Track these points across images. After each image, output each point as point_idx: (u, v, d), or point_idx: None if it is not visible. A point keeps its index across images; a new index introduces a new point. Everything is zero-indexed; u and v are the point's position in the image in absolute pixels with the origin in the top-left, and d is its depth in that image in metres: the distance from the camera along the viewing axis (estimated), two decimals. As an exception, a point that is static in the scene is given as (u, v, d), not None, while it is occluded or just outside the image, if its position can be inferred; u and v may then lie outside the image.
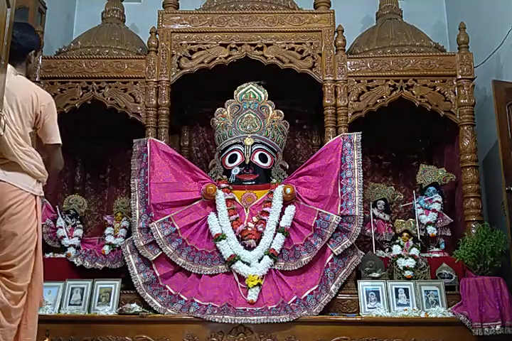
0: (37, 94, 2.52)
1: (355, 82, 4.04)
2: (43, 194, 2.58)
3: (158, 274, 3.60)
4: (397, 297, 3.47)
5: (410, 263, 3.59)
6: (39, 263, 2.52)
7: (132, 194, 3.81)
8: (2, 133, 2.39)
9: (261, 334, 3.25)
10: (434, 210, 3.89)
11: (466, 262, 3.49)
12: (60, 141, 2.62)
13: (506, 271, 3.52)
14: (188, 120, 5.00)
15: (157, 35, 4.16)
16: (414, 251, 3.67)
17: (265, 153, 4.04)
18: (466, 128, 3.93)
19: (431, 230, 3.84)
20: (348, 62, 4.07)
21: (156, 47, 4.13)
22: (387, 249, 3.89)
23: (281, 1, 4.34)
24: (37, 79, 3.98)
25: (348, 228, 3.60)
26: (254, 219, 3.79)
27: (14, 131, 2.42)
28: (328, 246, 3.60)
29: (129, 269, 3.60)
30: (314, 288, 3.52)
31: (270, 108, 4.14)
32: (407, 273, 3.56)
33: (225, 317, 3.25)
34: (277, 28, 4.12)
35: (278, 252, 3.63)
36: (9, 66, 2.51)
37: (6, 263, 2.36)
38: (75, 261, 3.82)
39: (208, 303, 3.42)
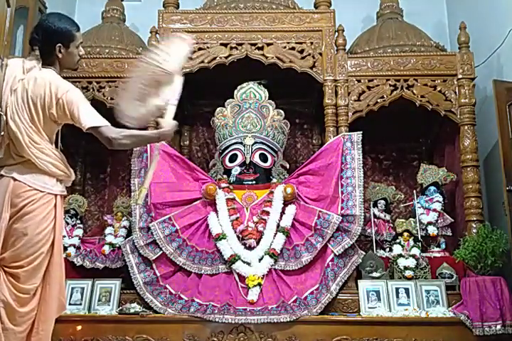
0: (51, 90, 2.39)
1: (356, 82, 4.04)
2: (65, 193, 2.52)
3: (158, 274, 3.60)
4: (397, 297, 3.47)
5: (411, 262, 3.58)
6: (56, 265, 2.45)
7: (132, 194, 3.80)
8: (2, 133, 2.39)
9: (261, 334, 3.24)
10: (434, 210, 3.88)
11: (467, 262, 3.48)
12: (94, 124, 2.40)
13: (507, 270, 3.51)
14: (188, 120, 4.99)
15: (157, 35, 4.16)
16: (415, 251, 3.66)
17: (265, 153, 4.03)
18: (466, 127, 3.93)
19: (431, 230, 3.84)
20: (349, 62, 4.07)
21: (156, 46, 4.13)
22: (387, 249, 3.88)
23: (281, 1, 4.33)
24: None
25: (349, 228, 3.60)
26: (255, 218, 3.79)
27: (28, 128, 2.39)
28: (329, 245, 3.59)
29: (129, 269, 3.59)
30: (315, 287, 3.51)
31: (270, 107, 4.14)
32: (408, 273, 3.55)
33: (226, 317, 3.25)
34: (278, 27, 4.12)
35: (278, 252, 3.63)
36: (35, 60, 2.47)
37: (14, 264, 2.34)
38: (75, 260, 3.82)
39: (208, 303, 3.42)
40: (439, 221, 3.88)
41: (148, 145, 3.81)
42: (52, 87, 2.41)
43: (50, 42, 2.48)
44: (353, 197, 3.66)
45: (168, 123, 2.60)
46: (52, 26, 2.48)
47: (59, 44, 2.48)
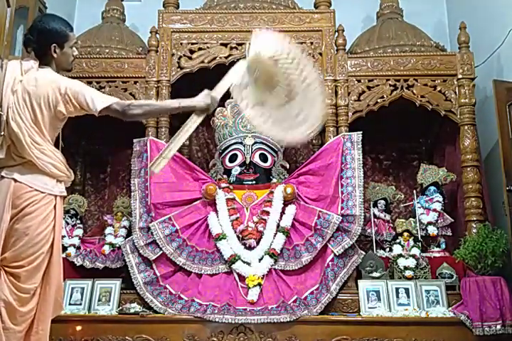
0: (54, 87, 2.41)
1: (356, 82, 4.04)
2: (64, 193, 2.53)
3: (158, 274, 3.60)
4: (397, 297, 3.47)
5: (411, 262, 3.59)
6: (55, 266, 2.46)
7: (132, 193, 3.81)
8: (2, 133, 2.39)
9: (261, 334, 3.25)
10: (434, 210, 3.89)
11: (467, 262, 3.48)
12: (104, 105, 2.42)
13: (507, 270, 3.51)
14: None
15: (157, 35, 4.16)
16: (415, 251, 3.66)
17: (265, 153, 4.03)
18: (466, 127, 3.93)
19: (431, 230, 3.84)
20: (349, 62, 4.07)
21: (156, 46, 4.13)
22: (387, 249, 3.88)
23: (281, 1, 4.34)
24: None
25: (349, 228, 3.60)
26: (255, 218, 3.79)
27: (30, 129, 2.39)
28: (329, 245, 3.59)
29: (129, 269, 3.60)
30: (315, 287, 3.51)
31: (271, 107, 4.14)
32: (408, 273, 3.55)
33: (226, 317, 3.25)
34: (278, 27, 4.10)
35: (278, 252, 3.63)
36: (32, 61, 2.49)
37: (15, 263, 2.35)
38: (75, 260, 3.81)
39: (208, 303, 3.42)
40: (439, 221, 3.89)
41: (149, 145, 3.81)
42: (54, 84, 2.43)
43: (44, 42, 2.50)
44: (353, 197, 3.66)
45: (206, 95, 2.71)
46: (47, 26, 2.50)
47: (54, 44, 2.50)
